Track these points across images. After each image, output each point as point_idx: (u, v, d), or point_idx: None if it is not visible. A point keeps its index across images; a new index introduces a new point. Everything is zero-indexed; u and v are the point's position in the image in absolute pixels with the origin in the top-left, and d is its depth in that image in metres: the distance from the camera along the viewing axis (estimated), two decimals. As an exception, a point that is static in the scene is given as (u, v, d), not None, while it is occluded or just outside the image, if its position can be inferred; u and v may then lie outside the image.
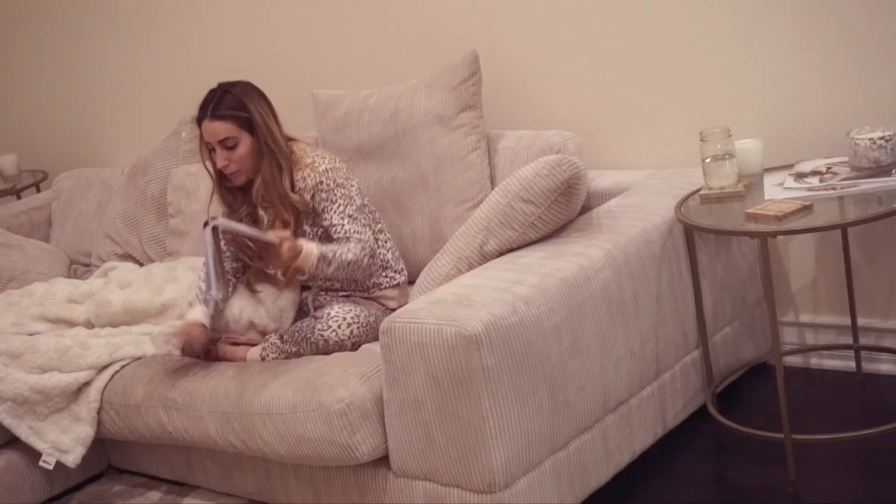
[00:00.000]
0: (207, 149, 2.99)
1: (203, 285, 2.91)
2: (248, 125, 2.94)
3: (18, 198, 4.87)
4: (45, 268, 3.98)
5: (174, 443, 3.05)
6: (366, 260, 2.94)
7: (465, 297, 2.47)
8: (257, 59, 4.14)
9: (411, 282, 3.13)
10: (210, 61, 4.30)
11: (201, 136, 2.98)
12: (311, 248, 2.83)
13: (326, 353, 2.89)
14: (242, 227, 2.87)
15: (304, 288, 3.16)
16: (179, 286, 3.37)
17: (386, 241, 3.14)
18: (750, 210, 2.65)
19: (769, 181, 2.87)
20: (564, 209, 2.76)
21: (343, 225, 2.94)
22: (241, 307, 3.09)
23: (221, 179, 3.03)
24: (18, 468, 3.21)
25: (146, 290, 3.38)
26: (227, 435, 2.83)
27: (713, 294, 2.99)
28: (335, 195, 2.95)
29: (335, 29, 3.88)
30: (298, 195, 2.96)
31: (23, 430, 3.16)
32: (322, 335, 2.88)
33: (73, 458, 3.16)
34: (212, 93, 2.99)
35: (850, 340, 3.12)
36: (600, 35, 3.31)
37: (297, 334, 2.92)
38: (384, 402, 2.55)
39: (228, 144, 2.93)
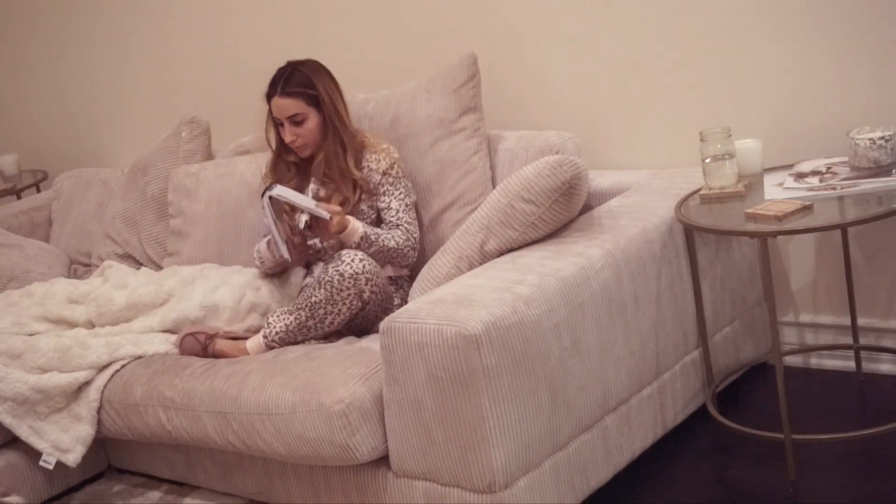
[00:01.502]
0: (275, 123, 3.14)
1: (271, 248, 3.10)
2: (316, 102, 3.09)
3: (18, 198, 4.87)
4: (45, 268, 3.98)
5: (174, 442, 3.05)
6: (408, 251, 3.07)
7: (465, 297, 2.47)
8: (255, 60, 4.14)
9: (411, 282, 3.13)
10: (210, 61, 4.30)
11: (270, 111, 3.12)
12: (357, 226, 2.95)
13: (340, 296, 2.87)
14: (299, 198, 2.93)
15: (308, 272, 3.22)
16: (181, 276, 3.38)
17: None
18: (750, 210, 2.65)
19: (769, 181, 2.87)
20: (565, 209, 2.76)
21: (398, 211, 3.08)
22: (242, 291, 3.13)
23: (282, 153, 3.18)
24: (19, 468, 3.21)
25: (148, 284, 3.39)
26: (226, 434, 2.83)
27: (713, 294, 2.99)
28: (400, 183, 3.11)
29: (332, 31, 3.88)
30: (365, 174, 3.09)
31: (23, 430, 3.16)
32: (336, 270, 2.87)
33: (73, 458, 3.16)
34: (281, 70, 3.12)
35: (849, 340, 3.12)
36: (600, 35, 3.31)
37: (307, 288, 2.98)
38: (384, 402, 2.55)
39: (297, 120, 3.08)
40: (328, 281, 2.89)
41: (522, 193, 2.72)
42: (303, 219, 3.04)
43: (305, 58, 3.18)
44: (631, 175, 3.20)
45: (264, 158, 3.69)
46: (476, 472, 2.41)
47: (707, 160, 2.85)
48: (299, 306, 2.94)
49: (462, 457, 2.42)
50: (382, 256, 3.02)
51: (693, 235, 2.86)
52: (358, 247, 2.96)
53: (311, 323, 2.92)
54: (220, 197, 3.65)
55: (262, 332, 3.01)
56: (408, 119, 3.27)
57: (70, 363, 3.17)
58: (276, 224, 2.96)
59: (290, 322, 2.94)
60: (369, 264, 2.91)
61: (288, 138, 3.10)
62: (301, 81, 3.08)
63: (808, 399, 3.05)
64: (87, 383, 3.17)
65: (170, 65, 4.46)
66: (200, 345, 3.07)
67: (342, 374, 2.63)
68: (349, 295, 2.88)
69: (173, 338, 3.19)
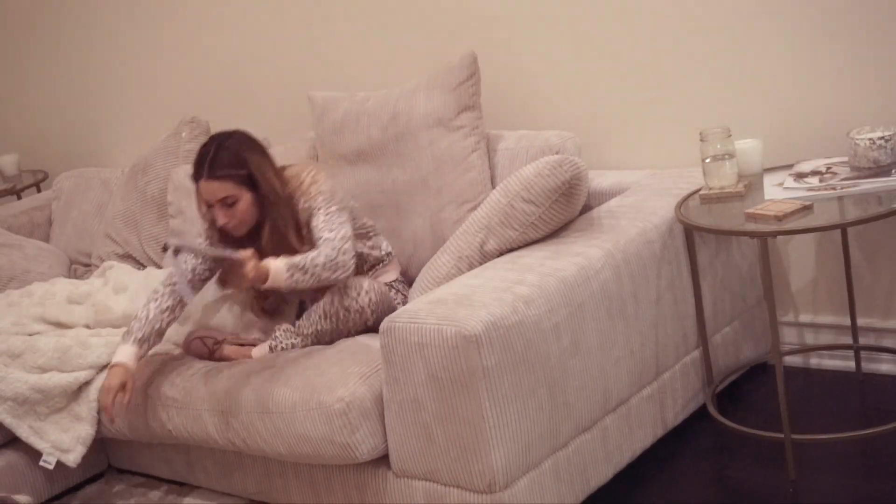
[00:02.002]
0: (206, 205, 2.91)
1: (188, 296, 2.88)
2: (248, 181, 2.86)
3: (19, 198, 4.87)
4: (45, 268, 3.98)
5: (174, 442, 3.05)
6: (340, 257, 2.81)
7: (465, 297, 2.47)
8: (254, 60, 4.14)
9: (411, 282, 3.13)
10: (210, 61, 4.30)
11: (198, 192, 2.89)
12: (278, 264, 2.73)
13: (346, 326, 2.89)
14: (203, 248, 2.82)
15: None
16: None
17: (375, 237, 3.13)
18: (750, 210, 2.65)
19: (769, 181, 2.87)
20: (565, 209, 2.76)
21: (318, 226, 2.87)
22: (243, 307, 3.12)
23: (221, 234, 2.95)
24: (19, 468, 3.22)
25: (146, 296, 3.38)
26: (226, 433, 2.83)
27: (713, 294, 2.99)
28: (317, 201, 2.90)
29: (332, 30, 3.88)
30: (309, 229, 2.90)
31: (23, 430, 3.16)
32: (343, 305, 2.87)
33: (73, 458, 3.16)
34: (205, 148, 2.88)
35: (849, 340, 3.12)
36: (600, 35, 3.31)
37: (313, 314, 2.91)
38: (384, 402, 2.55)
39: (228, 202, 2.85)
40: (334, 314, 2.89)
41: (522, 193, 2.72)
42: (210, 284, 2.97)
43: (231, 129, 2.95)
44: (631, 175, 3.20)
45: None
46: (476, 472, 2.41)
47: (707, 160, 2.85)
48: (305, 332, 2.92)
49: (462, 457, 2.42)
50: (320, 277, 2.79)
51: (693, 235, 2.86)
52: (293, 279, 2.74)
53: (316, 346, 2.92)
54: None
55: (268, 344, 2.99)
56: (406, 116, 3.27)
57: (70, 363, 3.17)
58: (182, 279, 2.83)
59: (297, 343, 2.94)
60: (376, 295, 2.89)
61: (221, 221, 2.87)
62: (229, 161, 2.84)
63: (808, 399, 3.05)
64: (88, 383, 3.17)
65: (170, 65, 4.46)
66: (207, 349, 3.07)
67: (342, 373, 2.63)
68: (355, 324, 2.90)
69: (173, 338, 3.18)
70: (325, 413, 2.59)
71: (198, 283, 2.97)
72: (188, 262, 2.93)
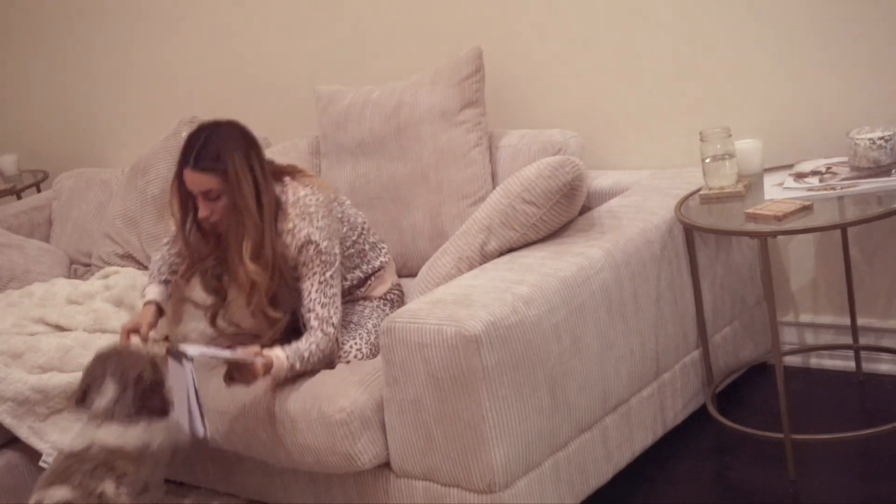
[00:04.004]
0: (181, 195, 2.80)
1: (184, 420, 2.60)
2: (227, 178, 2.74)
3: (19, 198, 4.87)
4: (45, 268, 3.98)
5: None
6: (331, 350, 2.75)
7: (465, 297, 2.47)
8: (258, 56, 4.14)
9: (411, 275, 3.12)
10: (211, 60, 4.30)
11: (179, 179, 2.77)
12: (280, 359, 2.65)
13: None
14: (216, 352, 2.70)
15: None
16: None
17: (375, 244, 3.07)
18: (750, 210, 2.65)
19: (769, 181, 2.87)
20: (565, 210, 2.76)
21: (311, 293, 2.75)
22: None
23: (193, 226, 2.86)
24: (18, 468, 3.21)
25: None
26: (227, 435, 2.83)
27: (713, 294, 2.99)
28: (314, 262, 2.77)
29: (338, 25, 3.88)
30: (279, 257, 2.77)
31: (23, 431, 3.16)
32: (346, 361, 2.81)
33: (73, 458, 3.16)
34: (193, 138, 2.76)
35: (849, 340, 3.12)
36: (602, 35, 3.31)
37: (311, 360, 2.76)
38: (384, 403, 2.55)
39: (211, 196, 2.75)
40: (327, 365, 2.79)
41: (523, 195, 2.71)
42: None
43: (225, 120, 2.82)
44: (631, 175, 3.20)
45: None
46: (476, 472, 2.41)
47: (707, 160, 2.85)
48: (312, 364, 2.79)
49: (462, 457, 2.42)
50: (315, 365, 2.73)
51: (693, 235, 2.86)
52: (293, 372, 2.68)
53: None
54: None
55: (286, 353, 2.79)
56: (410, 108, 3.26)
57: (71, 363, 3.16)
58: (196, 393, 2.56)
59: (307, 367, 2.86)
60: (368, 348, 2.82)
61: (202, 213, 2.76)
62: (216, 154, 2.72)
63: (808, 399, 3.05)
64: (88, 383, 3.17)
65: (170, 65, 4.46)
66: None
67: (343, 382, 2.62)
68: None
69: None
70: (326, 423, 2.57)
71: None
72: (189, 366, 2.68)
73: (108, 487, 2.54)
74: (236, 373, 2.68)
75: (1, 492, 3.17)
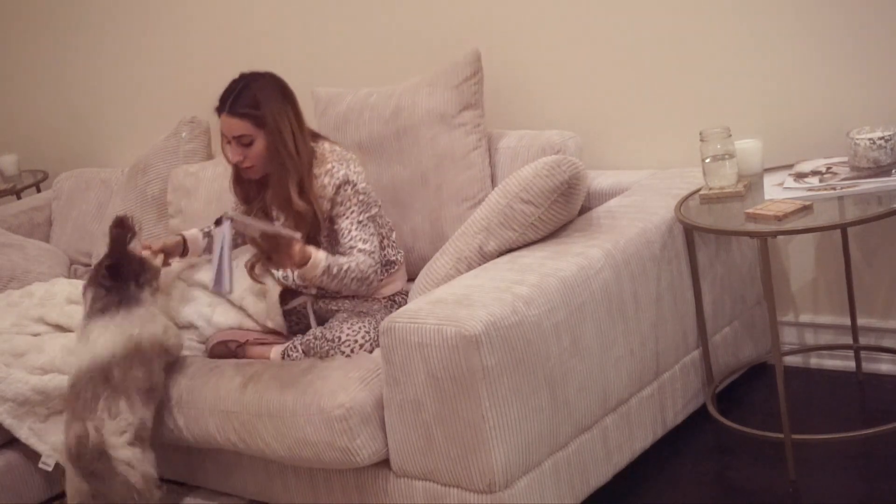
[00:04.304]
0: (226, 140, 2.95)
1: (213, 276, 2.81)
2: (264, 125, 2.88)
3: (18, 198, 4.87)
4: (45, 268, 3.98)
5: (174, 441, 3.05)
6: (371, 275, 2.88)
7: (465, 297, 2.47)
8: (257, 58, 4.13)
9: (411, 279, 3.13)
10: (210, 60, 4.30)
11: (220, 127, 2.95)
12: (319, 258, 2.77)
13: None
14: (255, 222, 2.81)
15: (295, 293, 3.13)
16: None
17: (393, 242, 3.12)
18: (750, 210, 2.65)
19: (769, 181, 2.87)
20: (564, 209, 2.76)
21: (350, 231, 2.89)
22: (241, 295, 3.12)
23: (238, 171, 3.02)
24: (18, 468, 3.21)
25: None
26: (227, 433, 2.83)
27: (713, 294, 2.99)
28: (352, 201, 2.90)
29: (336, 27, 3.88)
30: (316, 201, 2.89)
31: (23, 432, 3.16)
32: (342, 352, 2.82)
33: (73, 459, 3.16)
34: (232, 84, 2.94)
35: (849, 340, 3.12)
36: (601, 35, 3.31)
37: (312, 351, 2.86)
38: (384, 402, 2.55)
39: (244, 141, 2.89)
40: (330, 360, 2.82)
41: (521, 194, 2.71)
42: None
43: (264, 70, 2.99)
44: (631, 175, 3.20)
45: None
46: (476, 472, 2.41)
47: (707, 160, 2.85)
48: (312, 356, 2.86)
49: (462, 457, 2.42)
50: (347, 288, 2.86)
51: (693, 235, 2.86)
52: (321, 281, 2.80)
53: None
54: (220, 196, 3.65)
55: (285, 348, 2.96)
56: (408, 111, 3.27)
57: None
58: (228, 254, 2.76)
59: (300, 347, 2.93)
60: (370, 344, 2.84)
61: (234, 158, 2.91)
62: (250, 101, 2.87)
63: (808, 399, 3.05)
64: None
65: (170, 65, 4.46)
66: (231, 353, 3.05)
67: (343, 379, 2.63)
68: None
69: (198, 337, 3.17)
70: (325, 418, 2.58)
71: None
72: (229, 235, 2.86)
73: (114, 403, 2.79)
74: (273, 253, 2.74)
75: (1, 492, 3.17)
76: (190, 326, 3.14)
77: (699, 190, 2.92)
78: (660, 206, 2.89)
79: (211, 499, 3.11)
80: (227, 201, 3.61)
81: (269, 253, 2.75)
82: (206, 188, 3.71)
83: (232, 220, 2.77)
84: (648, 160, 3.31)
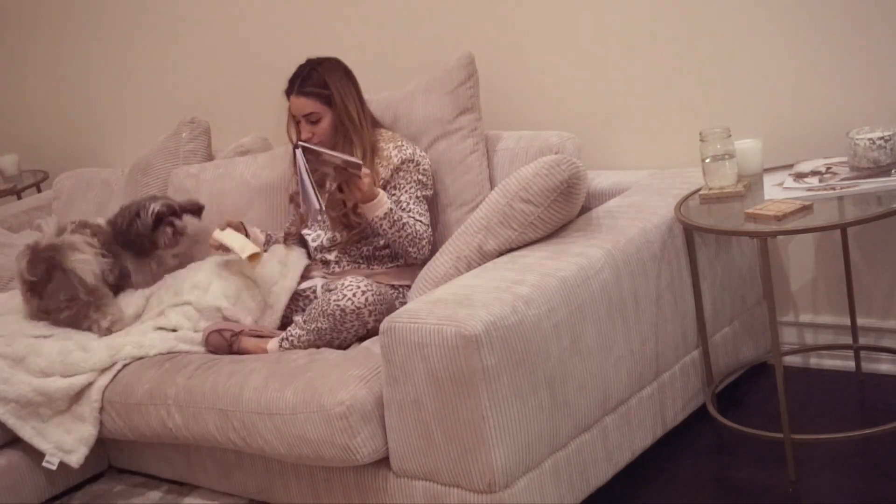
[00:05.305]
0: (294, 120, 3.21)
1: (302, 204, 3.04)
2: (331, 102, 3.15)
3: (19, 198, 4.88)
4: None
5: (175, 441, 3.06)
6: (424, 243, 3.08)
7: (465, 297, 2.47)
8: (255, 60, 4.14)
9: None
10: (210, 62, 4.30)
11: (289, 107, 3.21)
12: (385, 199, 3.01)
13: (344, 326, 2.91)
14: (329, 150, 2.99)
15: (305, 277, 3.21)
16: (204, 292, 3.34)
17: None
18: (750, 210, 2.65)
19: (769, 181, 2.87)
20: (564, 209, 2.76)
21: (410, 204, 3.10)
22: (238, 288, 3.15)
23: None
24: (20, 468, 3.21)
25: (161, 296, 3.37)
26: (227, 432, 2.83)
27: (713, 294, 2.99)
28: (413, 177, 3.12)
29: (330, 32, 3.88)
30: (376, 169, 3.10)
31: (26, 432, 3.17)
32: (338, 305, 2.90)
33: (76, 458, 3.16)
34: (301, 68, 3.20)
35: (849, 340, 3.12)
36: (600, 35, 3.32)
37: (313, 311, 2.95)
38: (384, 402, 2.55)
39: (312, 119, 3.15)
40: (330, 314, 2.91)
41: (521, 193, 2.72)
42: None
43: (326, 56, 3.23)
44: (631, 175, 3.20)
45: (264, 159, 3.69)
46: (476, 472, 2.41)
47: (707, 160, 2.85)
48: (308, 328, 2.95)
49: (462, 457, 2.42)
50: (401, 240, 3.05)
51: (693, 235, 2.86)
52: (380, 223, 3.01)
53: (319, 343, 2.95)
54: (220, 197, 3.66)
55: (281, 337, 3.02)
56: (406, 120, 3.28)
57: (72, 367, 3.17)
58: (309, 175, 2.96)
59: (302, 336, 2.97)
60: (372, 295, 2.91)
61: (304, 135, 3.16)
62: (317, 81, 3.15)
63: (808, 399, 3.05)
64: (90, 384, 3.17)
65: (170, 65, 4.46)
66: (226, 341, 3.09)
67: (343, 376, 2.63)
68: (353, 326, 2.92)
69: (170, 338, 3.18)
70: (325, 416, 2.59)
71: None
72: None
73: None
74: (344, 184, 3.01)
75: (2, 492, 3.17)
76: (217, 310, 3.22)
77: (699, 190, 2.92)
78: (660, 206, 2.90)
79: (211, 499, 3.11)
80: (228, 202, 3.63)
81: (341, 183, 3.01)
82: (206, 189, 3.71)
83: (304, 148, 2.97)
84: (648, 160, 3.31)
